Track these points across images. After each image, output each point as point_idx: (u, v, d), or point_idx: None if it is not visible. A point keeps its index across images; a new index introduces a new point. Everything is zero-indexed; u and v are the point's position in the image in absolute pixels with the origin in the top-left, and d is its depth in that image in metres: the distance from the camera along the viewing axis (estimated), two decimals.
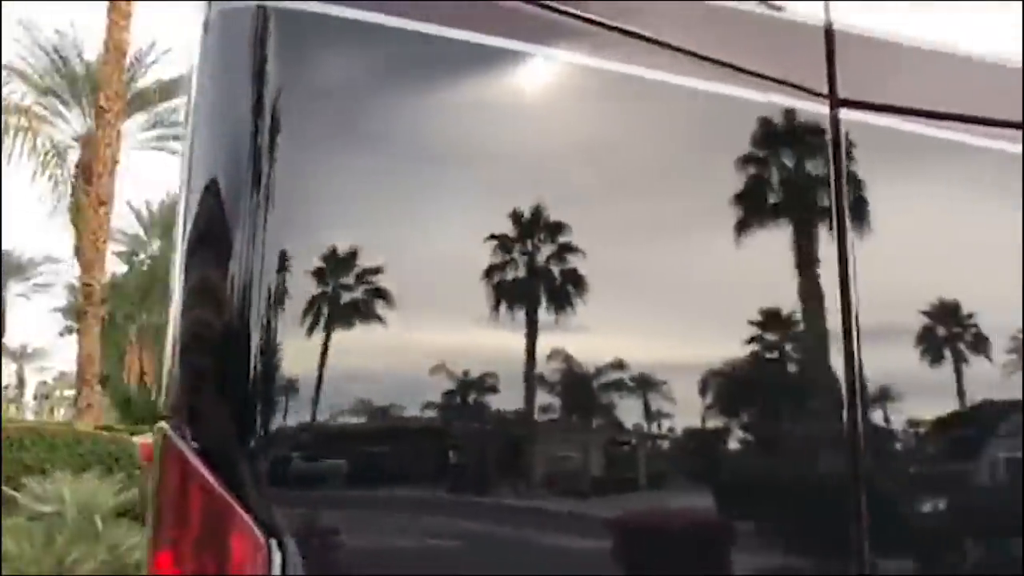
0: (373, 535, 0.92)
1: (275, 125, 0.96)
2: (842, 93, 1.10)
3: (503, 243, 0.97)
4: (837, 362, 1.06)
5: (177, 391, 0.96)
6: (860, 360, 1.06)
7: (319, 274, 0.94)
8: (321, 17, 0.97)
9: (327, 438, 0.93)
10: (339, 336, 0.93)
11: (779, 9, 1.11)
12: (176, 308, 0.99)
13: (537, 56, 1.03)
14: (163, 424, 0.94)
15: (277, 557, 0.86)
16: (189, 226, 0.99)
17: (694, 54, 1.07)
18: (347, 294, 0.94)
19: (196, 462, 0.89)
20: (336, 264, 0.94)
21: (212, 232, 0.97)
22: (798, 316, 1.09)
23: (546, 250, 0.98)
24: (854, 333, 1.05)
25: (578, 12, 1.03)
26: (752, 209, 1.07)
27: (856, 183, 1.09)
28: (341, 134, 0.98)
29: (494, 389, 0.96)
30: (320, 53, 0.99)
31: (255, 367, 0.91)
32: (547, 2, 1.01)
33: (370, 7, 0.98)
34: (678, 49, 1.06)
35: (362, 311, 0.95)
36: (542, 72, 1.04)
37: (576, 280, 0.98)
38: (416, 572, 0.92)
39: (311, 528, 0.90)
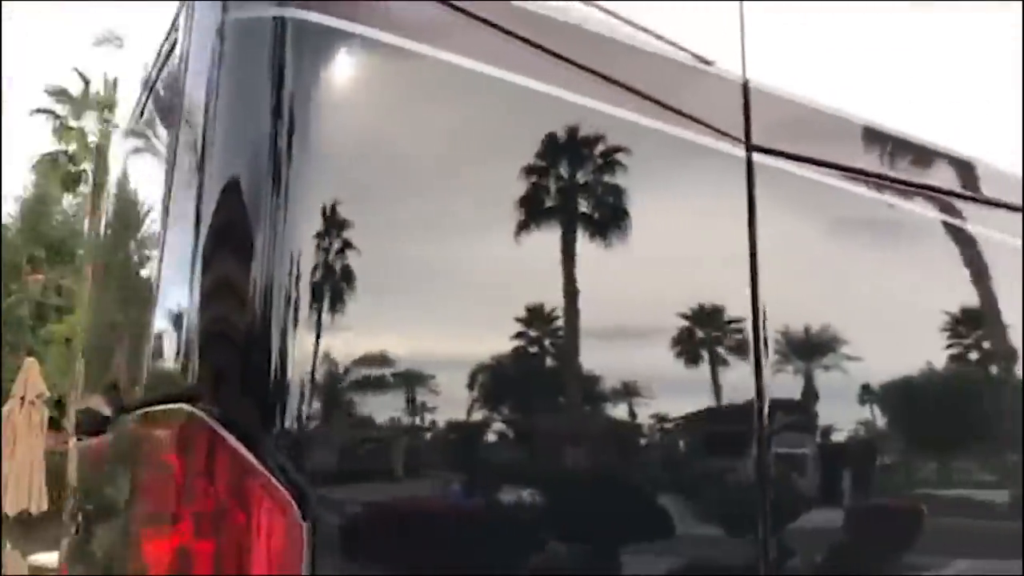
0: (395, 507, 1.05)
1: (292, 131, 1.06)
2: (758, 139, 1.33)
3: None
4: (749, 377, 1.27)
5: (203, 376, 1.04)
6: (766, 378, 1.27)
7: (332, 269, 1.05)
8: (335, 31, 1.08)
9: (350, 417, 1.04)
10: (355, 323, 1.04)
11: (709, 63, 1.33)
12: (194, 301, 1.06)
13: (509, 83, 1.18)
14: (185, 406, 1.03)
15: (307, 527, 0.97)
16: (208, 224, 1.07)
17: (638, 92, 1.26)
18: (357, 286, 1.05)
19: (229, 438, 0.99)
20: (347, 261, 1.05)
21: (234, 229, 1.06)
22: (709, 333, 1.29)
23: None
24: (762, 350, 1.26)
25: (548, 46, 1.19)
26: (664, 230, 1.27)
27: (765, 216, 1.32)
28: (354, 144, 1.09)
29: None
30: (333, 65, 1.10)
31: (279, 350, 1.00)
32: (536, 45, 1.17)
33: (380, 26, 1.09)
34: (626, 87, 1.25)
35: (373, 300, 1.06)
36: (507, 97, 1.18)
37: None
38: (440, 549, 1.05)
39: (338, 501, 1.01)
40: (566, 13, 1.21)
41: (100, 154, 13.29)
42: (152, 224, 1.32)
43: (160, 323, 1.14)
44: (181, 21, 1.22)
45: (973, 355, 1.58)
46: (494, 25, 1.16)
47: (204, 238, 1.06)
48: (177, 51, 1.23)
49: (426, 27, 1.13)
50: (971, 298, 1.54)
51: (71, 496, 1.90)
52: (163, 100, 1.33)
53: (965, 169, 1.58)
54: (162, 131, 1.35)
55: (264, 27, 1.07)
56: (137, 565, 1.08)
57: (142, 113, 1.52)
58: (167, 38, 1.33)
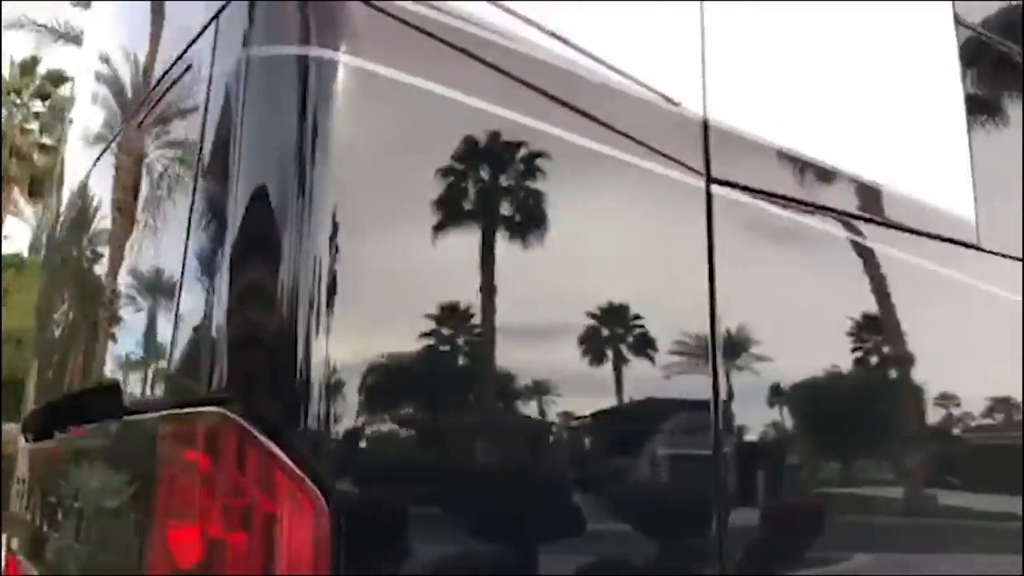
0: (420, 504, 1.15)
1: (313, 158, 1.16)
2: (717, 173, 1.49)
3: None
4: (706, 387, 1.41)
5: (231, 378, 1.13)
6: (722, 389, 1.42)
7: (354, 278, 1.15)
8: (360, 71, 1.19)
9: (370, 414, 1.15)
10: (378, 325, 1.15)
11: (677, 104, 1.48)
12: (221, 308, 1.16)
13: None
14: (214, 408, 1.12)
15: (332, 519, 1.07)
16: (235, 233, 1.16)
17: (612, 128, 1.40)
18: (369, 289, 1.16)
19: (259, 436, 1.08)
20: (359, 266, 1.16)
21: (261, 239, 1.16)
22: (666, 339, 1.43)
23: None
24: (719, 365, 1.42)
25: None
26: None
27: (730, 258, 1.46)
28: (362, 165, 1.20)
29: None
30: (356, 105, 1.20)
31: (303, 353, 1.10)
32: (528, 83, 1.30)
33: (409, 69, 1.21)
34: (602, 123, 1.39)
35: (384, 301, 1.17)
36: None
37: None
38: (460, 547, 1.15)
39: (361, 495, 1.12)
40: (558, 58, 1.35)
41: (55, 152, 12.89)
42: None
43: (182, 330, 1.22)
44: (200, 51, 1.31)
45: (886, 362, 1.78)
46: (475, 57, 1.29)
47: (232, 246, 1.16)
48: (193, 77, 1.32)
49: (429, 63, 1.25)
50: (895, 315, 1.74)
51: (25, 495, 1.93)
52: (173, 118, 1.40)
53: (900, 203, 1.77)
54: (165, 146, 1.43)
55: (288, 65, 1.18)
56: (162, 559, 1.16)
57: (139, 125, 1.58)
58: (176, 62, 1.41)
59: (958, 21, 2.02)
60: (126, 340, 1.49)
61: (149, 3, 1.73)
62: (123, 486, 1.37)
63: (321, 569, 1.06)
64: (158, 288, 1.38)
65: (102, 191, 1.81)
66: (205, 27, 1.30)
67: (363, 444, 1.14)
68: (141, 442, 1.32)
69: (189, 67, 1.35)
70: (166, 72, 1.45)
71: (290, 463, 1.07)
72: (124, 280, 1.56)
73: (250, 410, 1.10)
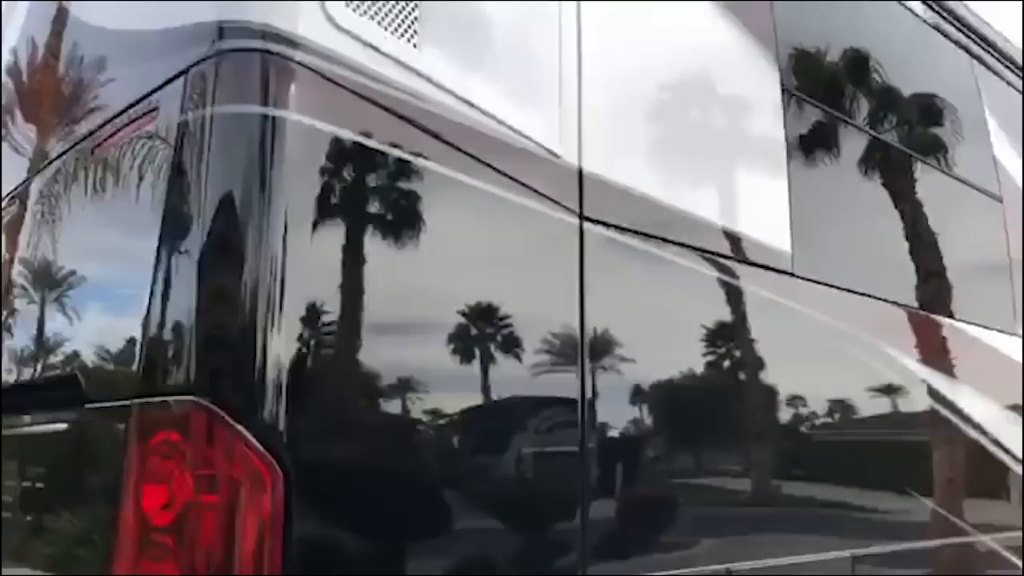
0: (370, 477, 1.45)
1: (269, 198, 1.44)
2: (588, 212, 1.84)
3: None
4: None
5: (200, 370, 1.39)
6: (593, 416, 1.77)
7: (299, 289, 1.43)
8: (304, 125, 1.47)
9: (320, 401, 1.43)
10: (318, 329, 1.44)
11: (557, 156, 1.83)
12: (191, 304, 1.41)
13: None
14: (187, 397, 1.38)
15: (294, 490, 1.33)
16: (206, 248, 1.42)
17: (504, 173, 1.73)
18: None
19: (224, 416, 1.35)
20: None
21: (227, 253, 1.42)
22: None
23: None
24: (588, 381, 1.76)
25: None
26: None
27: (598, 285, 1.81)
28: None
29: None
30: (302, 152, 1.48)
31: (262, 348, 1.36)
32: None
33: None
34: (497, 170, 1.72)
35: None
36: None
37: None
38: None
39: (314, 467, 1.39)
40: (465, 117, 1.67)
41: None
42: None
43: (154, 330, 1.47)
44: (167, 96, 1.56)
45: (720, 368, 2.19)
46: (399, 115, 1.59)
47: (201, 261, 1.42)
48: (161, 119, 1.57)
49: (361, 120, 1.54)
50: (729, 329, 2.15)
51: None
52: (142, 150, 1.64)
53: (731, 238, 2.18)
54: (133, 170, 1.67)
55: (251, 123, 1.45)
56: (136, 521, 1.40)
57: (93, 150, 1.80)
58: (140, 102, 1.66)
59: (784, 88, 2.46)
60: (89, 338, 1.72)
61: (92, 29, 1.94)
62: (90, 466, 1.60)
63: (277, 522, 1.34)
64: (118, 296, 1.63)
65: (53, 196, 1.98)
66: (174, 78, 1.55)
67: (309, 423, 1.43)
68: (108, 426, 1.56)
69: (155, 109, 1.60)
70: (128, 107, 1.68)
71: (251, 438, 1.35)
72: (79, 285, 1.78)
73: (217, 397, 1.37)
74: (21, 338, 1.97)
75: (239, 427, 1.35)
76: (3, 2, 2.63)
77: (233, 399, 1.37)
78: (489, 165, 1.69)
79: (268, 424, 1.37)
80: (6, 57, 2.45)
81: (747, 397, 2.22)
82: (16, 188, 2.17)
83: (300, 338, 1.42)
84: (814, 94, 2.67)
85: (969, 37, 3.68)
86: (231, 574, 1.33)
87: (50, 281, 1.92)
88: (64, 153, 1.94)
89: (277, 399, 1.38)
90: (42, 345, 1.91)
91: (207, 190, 1.46)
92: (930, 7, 3.45)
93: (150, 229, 1.54)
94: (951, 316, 3.01)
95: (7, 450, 1.88)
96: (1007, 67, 3.97)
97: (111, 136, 1.74)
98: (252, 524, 1.34)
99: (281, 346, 1.39)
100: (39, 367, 1.91)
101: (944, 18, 3.54)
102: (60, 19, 2.21)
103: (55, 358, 1.86)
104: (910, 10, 3.33)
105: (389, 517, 1.47)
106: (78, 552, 1.59)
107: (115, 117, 1.73)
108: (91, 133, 1.82)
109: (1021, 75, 4.09)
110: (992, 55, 3.84)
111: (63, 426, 1.68)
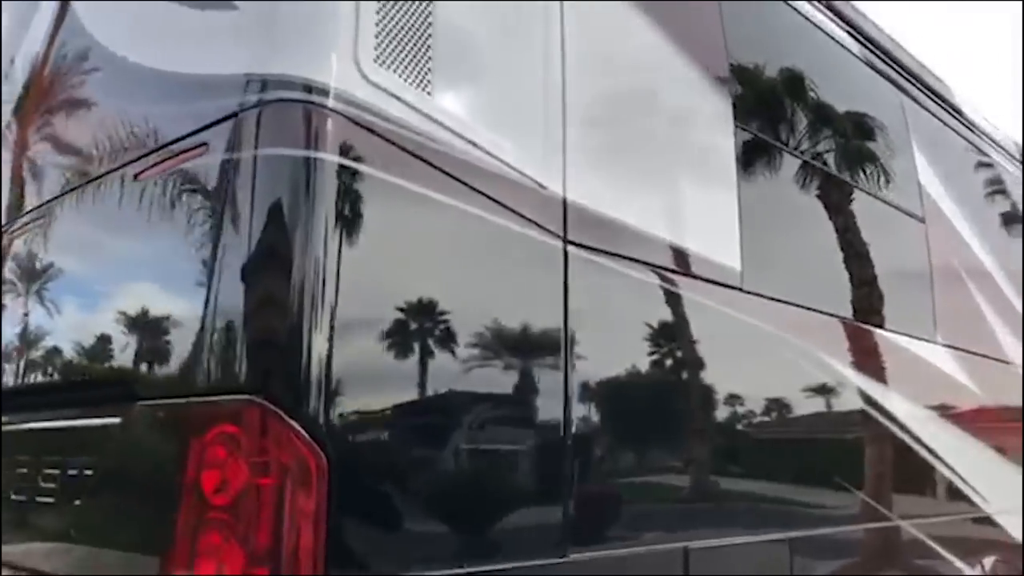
0: (401, 463, 1.72)
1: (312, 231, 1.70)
2: (571, 237, 2.13)
3: None
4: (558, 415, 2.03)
5: (252, 370, 1.64)
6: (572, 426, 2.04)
7: (340, 299, 1.68)
8: (338, 165, 1.73)
9: (360, 398, 1.69)
10: (371, 326, 1.71)
11: (545, 188, 2.11)
12: (241, 311, 1.66)
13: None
14: (243, 396, 1.62)
15: (335, 474, 1.59)
16: (255, 264, 1.68)
17: (501, 203, 2.01)
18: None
19: (276, 411, 1.60)
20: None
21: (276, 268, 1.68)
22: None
23: None
24: (571, 381, 2.05)
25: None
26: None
27: (579, 299, 2.09)
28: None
29: None
30: (337, 188, 1.74)
31: (308, 350, 1.61)
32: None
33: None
34: (496, 201, 1.99)
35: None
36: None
37: None
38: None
39: (354, 454, 1.65)
40: (473, 157, 1.94)
41: None
42: None
43: (208, 333, 1.71)
44: (217, 134, 1.81)
45: (681, 374, 2.50)
46: (419, 158, 1.86)
47: (251, 275, 1.67)
48: (211, 154, 1.82)
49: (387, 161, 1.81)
50: (687, 339, 2.46)
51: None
52: (191, 180, 1.88)
53: (691, 258, 2.49)
54: (182, 197, 1.91)
55: (294, 163, 1.71)
56: (195, 501, 1.65)
57: (136, 176, 2.03)
58: (188, 137, 1.90)
59: (736, 123, 2.78)
60: (143, 343, 1.95)
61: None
62: (145, 456, 1.84)
63: (321, 502, 1.60)
64: (172, 304, 1.87)
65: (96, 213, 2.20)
66: (223, 119, 1.80)
67: (348, 416, 1.69)
68: (163, 420, 1.80)
69: (205, 145, 1.84)
70: (175, 141, 1.92)
71: (300, 429, 1.61)
72: (130, 294, 2.01)
73: (269, 395, 1.62)
74: (69, 342, 2.18)
75: (288, 420, 1.61)
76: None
77: (282, 395, 1.62)
78: (488, 196, 1.96)
79: (313, 417, 1.62)
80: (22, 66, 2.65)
81: (703, 398, 2.53)
82: (47, 201, 2.38)
83: (339, 342, 1.67)
84: (762, 129, 3.00)
85: (898, 72, 4.07)
86: (281, 545, 1.58)
87: (98, 290, 2.14)
88: (104, 175, 2.16)
89: (320, 395, 1.64)
90: (89, 348, 2.13)
91: (255, 215, 1.71)
92: (865, 46, 3.83)
93: (203, 247, 1.79)
94: (880, 326, 3.38)
95: (51, 443, 2.11)
96: (932, 99, 4.38)
97: (157, 164, 1.97)
98: (300, 503, 1.60)
99: (323, 348, 1.65)
100: (87, 368, 2.13)
101: (877, 55, 3.92)
102: (85, 48, 2.42)
103: (104, 360, 2.08)
104: (847, 48, 3.70)
105: (415, 498, 1.75)
106: (136, 533, 1.82)
107: (160, 148, 1.97)
108: (136, 160, 2.04)
109: (944, 106, 4.50)
110: (919, 89, 4.24)
111: (115, 420, 1.91)
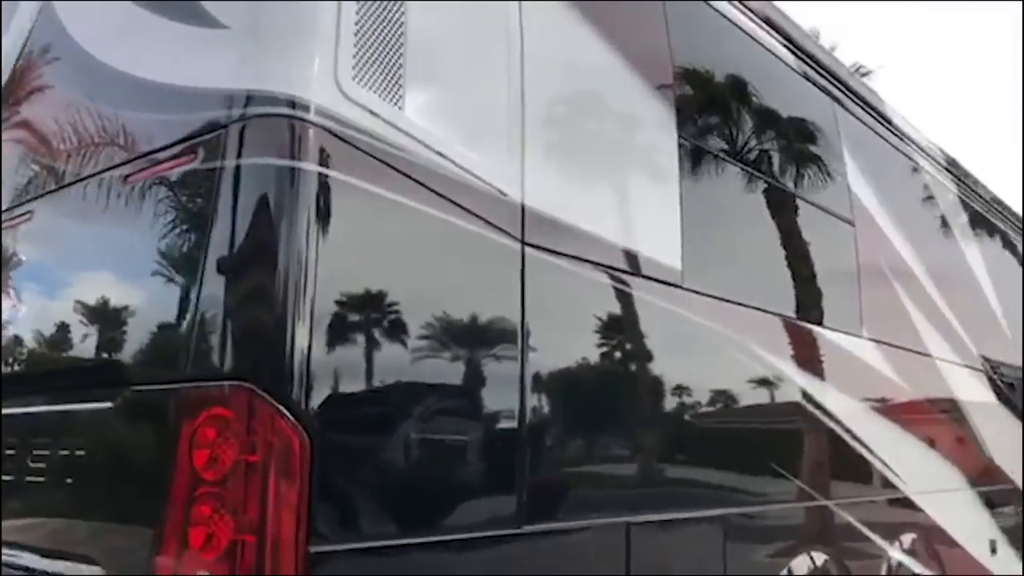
0: (373, 442, 1.91)
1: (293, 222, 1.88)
2: (528, 239, 2.34)
3: None
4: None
5: (238, 359, 1.82)
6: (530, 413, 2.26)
7: (322, 291, 1.87)
8: (316, 173, 1.91)
9: (338, 383, 1.88)
10: (350, 319, 1.90)
11: (506, 195, 2.32)
12: (230, 304, 1.84)
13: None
14: (232, 382, 1.80)
15: (316, 451, 1.79)
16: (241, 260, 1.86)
17: (466, 209, 2.21)
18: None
19: (263, 395, 1.78)
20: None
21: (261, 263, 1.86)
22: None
23: None
24: (527, 367, 2.26)
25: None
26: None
27: (535, 295, 2.31)
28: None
29: None
30: (317, 194, 1.92)
31: (291, 341, 1.80)
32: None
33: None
34: (460, 206, 2.19)
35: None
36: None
37: None
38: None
39: (333, 434, 1.84)
40: (440, 166, 2.14)
41: None
42: None
43: (200, 323, 1.89)
44: (206, 144, 1.98)
45: (628, 366, 2.72)
46: (391, 166, 2.05)
47: (239, 269, 1.85)
48: (199, 162, 1.99)
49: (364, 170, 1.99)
50: (636, 334, 2.69)
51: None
52: (180, 184, 2.05)
53: (636, 258, 2.72)
54: (171, 198, 2.07)
55: (279, 171, 1.89)
56: (187, 475, 1.82)
57: (126, 177, 2.19)
58: (175, 144, 2.06)
59: (679, 134, 3.02)
60: (134, 333, 2.12)
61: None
62: (138, 437, 2.01)
63: (304, 476, 1.79)
64: (163, 296, 2.03)
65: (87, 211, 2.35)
66: (213, 130, 1.97)
67: (328, 400, 1.87)
68: (156, 404, 1.97)
69: (194, 153, 2.00)
70: (164, 148, 2.09)
71: (284, 411, 1.79)
72: (123, 287, 2.17)
73: (256, 380, 1.80)
74: (64, 332, 2.33)
75: (274, 403, 1.79)
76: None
77: (268, 381, 1.80)
78: (453, 201, 2.16)
79: (296, 401, 1.81)
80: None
81: (645, 388, 2.76)
82: (33, 198, 2.51)
83: (319, 333, 1.86)
84: (702, 137, 3.24)
85: (831, 82, 4.35)
86: (267, 515, 1.77)
87: (93, 284, 2.29)
88: (92, 176, 2.31)
89: (302, 381, 1.83)
90: (84, 338, 2.29)
91: (243, 218, 1.89)
92: (800, 57, 4.10)
93: (193, 244, 1.96)
94: (809, 321, 3.65)
95: (40, 427, 2.26)
96: (863, 108, 4.68)
97: (147, 168, 2.13)
98: (284, 478, 1.78)
99: (305, 338, 1.83)
100: (82, 356, 2.29)
101: (811, 66, 4.19)
102: (74, 54, 2.56)
103: (99, 349, 2.24)
104: (783, 60, 3.96)
105: (388, 474, 1.95)
106: (130, 507, 1.99)
107: (151, 153, 2.13)
108: (122, 163, 2.20)
109: (874, 115, 4.80)
110: (851, 98, 4.53)
111: (108, 404, 2.07)
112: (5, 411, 2.34)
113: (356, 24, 2.02)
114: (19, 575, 2.24)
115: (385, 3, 2.09)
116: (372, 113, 2.02)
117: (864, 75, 18.48)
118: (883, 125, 4.91)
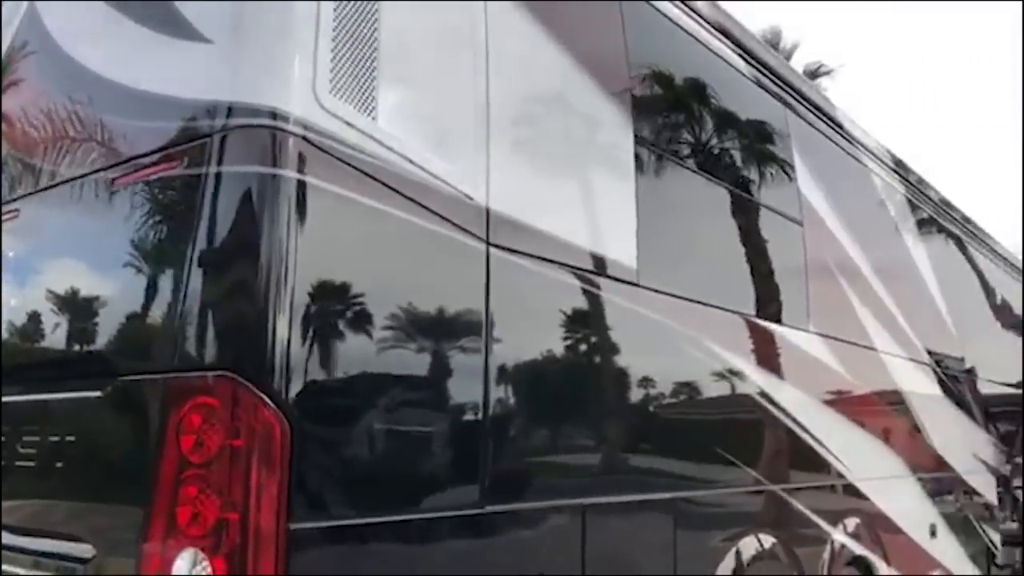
0: (349, 428, 2.08)
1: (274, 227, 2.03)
2: (492, 240, 2.51)
3: None
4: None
5: (222, 349, 1.98)
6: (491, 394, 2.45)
7: (301, 285, 2.02)
8: (293, 179, 2.07)
9: (316, 373, 2.04)
10: (328, 313, 2.06)
11: (472, 199, 2.48)
12: (215, 298, 2.00)
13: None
14: (217, 372, 1.95)
15: (295, 437, 1.94)
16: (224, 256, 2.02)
17: (433, 211, 2.37)
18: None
19: (245, 384, 1.93)
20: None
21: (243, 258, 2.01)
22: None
23: None
24: (490, 358, 2.44)
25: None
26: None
27: (498, 292, 2.48)
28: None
29: None
30: (296, 198, 2.07)
31: (272, 331, 1.94)
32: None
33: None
34: (429, 209, 2.36)
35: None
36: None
37: None
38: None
39: (311, 420, 2.00)
40: (412, 173, 2.30)
41: None
42: None
43: (185, 317, 2.03)
44: (189, 151, 2.12)
45: (591, 359, 2.91)
46: (365, 174, 2.21)
47: (223, 264, 2.01)
48: (183, 168, 2.13)
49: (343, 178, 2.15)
50: (596, 328, 2.87)
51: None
52: (167, 189, 2.20)
53: (592, 258, 2.90)
54: (157, 200, 2.22)
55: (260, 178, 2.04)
56: (174, 459, 1.97)
57: (113, 180, 2.33)
58: (160, 151, 2.20)
59: (635, 138, 3.20)
60: (124, 325, 2.26)
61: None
62: (127, 424, 2.16)
63: (285, 457, 1.94)
64: (151, 291, 2.18)
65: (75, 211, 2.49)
66: (199, 138, 2.11)
67: (307, 389, 2.03)
68: (144, 392, 2.11)
69: (179, 160, 2.14)
70: (150, 153, 2.23)
71: (266, 399, 1.95)
72: (113, 283, 2.31)
73: (239, 370, 1.96)
74: (55, 323, 2.47)
75: (256, 391, 1.94)
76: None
77: (251, 371, 1.96)
78: (423, 205, 2.33)
79: (276, 390, 1.96)
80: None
81: (603, 379, 2.95)
82: (21, 196, 2.64)
83: (299, 327, 2.01)
84: (657, 142, 3.43)
85: (783, 88, 4.56)
86: (249, 494, 1.92)
87: (83, 280, 2.42)
88: (78, 178, 2.44)
89: (283, 371, 1.98)
90: (75, 330, 2.42)
91: (228, 219, 2.04)
92: (752, 65, 4.30)
93: (179, 244, 2.10)
94: (759, 316, 3.86)
95: (30, 415, 2.40)
96: (813, 112, 4.90)
97: (133, 172, 2.27)
98: (265, 460, 1.94)
99: (285, 332, 1.98)
100: (71, 348, 2.42)
101: (763, 73, 4.39)
102: (64, 61, 2.67)
103: (88, 342, 2.38)
104: (736, 67, 4.16)
105: (362, 457, 2.12)
106: (119, 490, 2.14)
107: (136, 158, 2.27)
108: (110, 167, 2.34)
109: (824, 119, 5.03)
110: (801, 103, 4.75)
111: (97, 393, 2.21)
112: (6, 399, 2.48)
113: (332, 40, 2.17)
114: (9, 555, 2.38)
115: (359, 22, 2.24)
116: (346, 123, 2.17)
117: (825, 74, 18.94)
118: (833, 129, 5.13)
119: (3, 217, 2.65)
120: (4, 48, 2.91)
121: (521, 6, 2.76)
